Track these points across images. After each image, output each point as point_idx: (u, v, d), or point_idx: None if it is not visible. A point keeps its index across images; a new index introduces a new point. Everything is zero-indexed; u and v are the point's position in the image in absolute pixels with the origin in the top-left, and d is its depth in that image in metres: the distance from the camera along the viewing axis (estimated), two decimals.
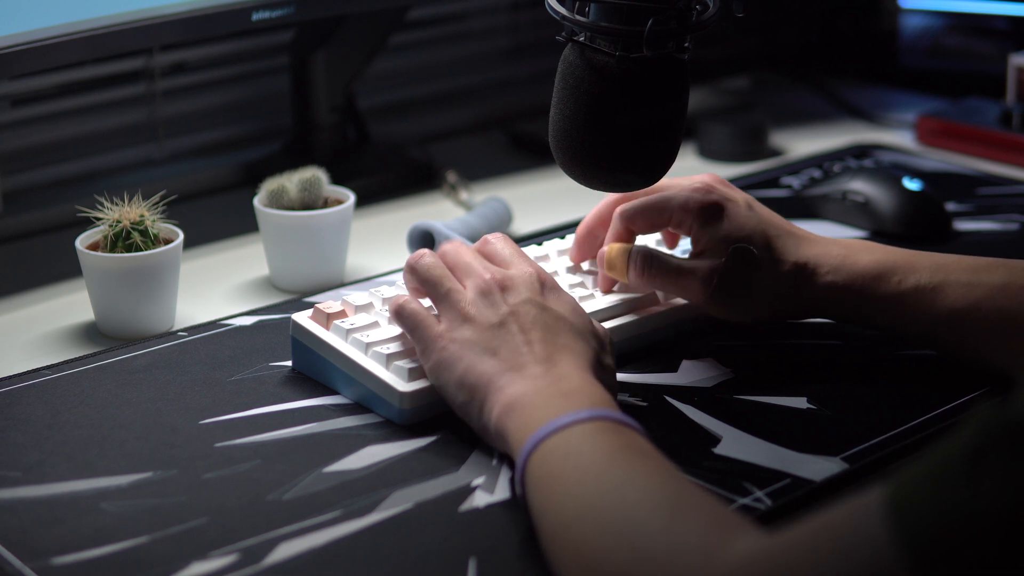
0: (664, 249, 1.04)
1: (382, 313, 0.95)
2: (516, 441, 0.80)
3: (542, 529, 0.75)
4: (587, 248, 1.03)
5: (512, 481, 0.83)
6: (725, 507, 0.72)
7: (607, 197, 1.03)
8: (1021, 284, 0.93)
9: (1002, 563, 0.56)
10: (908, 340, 0.98)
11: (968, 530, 0.57)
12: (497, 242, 0.92)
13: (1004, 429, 0.58)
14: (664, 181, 1.00)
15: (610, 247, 1.00)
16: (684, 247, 1.06)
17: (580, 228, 1.03)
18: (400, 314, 0.90)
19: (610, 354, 0.88)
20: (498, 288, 0.87)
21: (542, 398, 0.81)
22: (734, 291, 0.96)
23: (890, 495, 0.60)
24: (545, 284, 0.89)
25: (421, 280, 0.90)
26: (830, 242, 0.98)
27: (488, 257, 0.92)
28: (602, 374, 0.85)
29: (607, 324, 0.98)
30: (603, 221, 1.02)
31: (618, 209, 1.00)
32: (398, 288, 0.98)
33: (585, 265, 1.04)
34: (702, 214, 0.97)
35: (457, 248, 0.92)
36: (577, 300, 0.93)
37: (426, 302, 0.91)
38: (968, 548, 0.57)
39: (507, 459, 0.85)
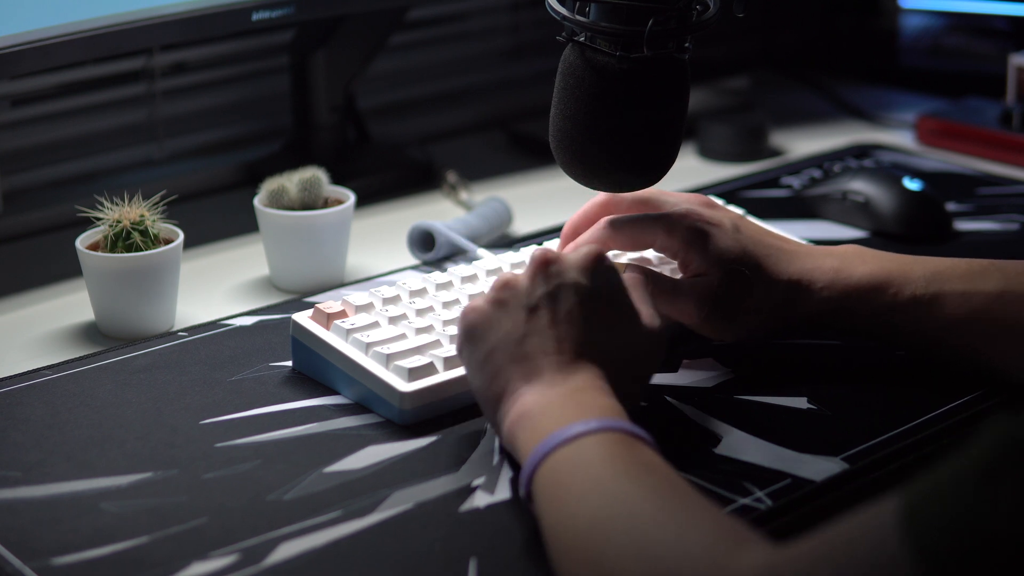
0: (658, 267, 1.04)
1: (382, 313, 0.95)
2: (525, 452, 0.79)
3: (552, 544, 0.74)
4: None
5: (514, 481, 0.83)
6: (735, 520, 0.72)
7: (595, 197, 1.02)
8: (1018, 291, 0.92)
9: None
10: (905, 350, 0.97)
11: (982, 547, 0.57)
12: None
13: (1017, 447, 0.57)
14: (655, 192, 1.00)
15: None
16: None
17: (566, 228, 1.02)
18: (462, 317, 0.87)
19: (648, 359, 0.85)
20: (545, 261, 0.84)
21: (555, 408, 0.80)
22: (727, 313, 0.95)
23: (903, 507, 0.60)
24: (601, 262, 0.85)
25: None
26: (823, 254, 0.97)
27: None
28: (626, 383, 0.83)
29: None
30: (590, 222, 1.01)
31: (605, 219, 0.99)
32: (398, 288, 0.98)
33: None
34: (686, 242, 0.96)
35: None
36: (641, 286, 0.90)
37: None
38: (982, 565, 0.57)
39: (509, 457, 0.85)
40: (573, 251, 0.86)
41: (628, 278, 0.89)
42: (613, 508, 0.72)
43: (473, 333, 0.84)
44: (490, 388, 0.83)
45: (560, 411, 0.79)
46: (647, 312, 0.86)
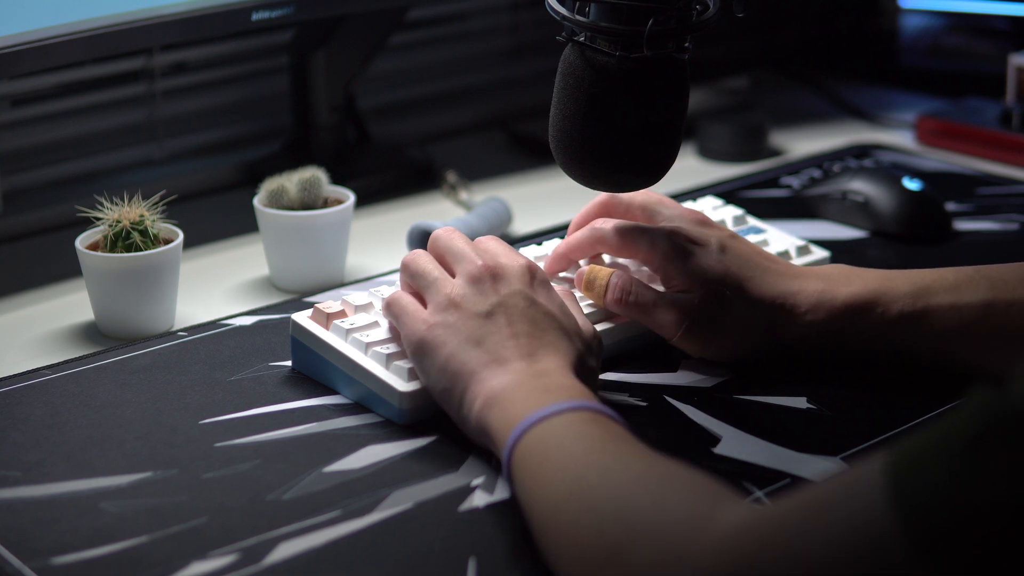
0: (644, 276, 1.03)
1: (382, 313, 0.95)
2: (499, 436, 0.80)
3: (532, 519, 0.75)
4: (564, 259, 1.02)
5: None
6: (713, 479, 0.72)
7: (596, 198, 1.02)
8: (1005, 300, 0.91)
9: (1003, 551, 0.56)
10: (895, 365, 0.96)
11: (968, 514, 0.57)
12: (489, 241, 0.92)
13: (1005, 418, 0.58)
14: (654, 201, 1.00)
15: (591, 268, 0.98)
16: None
17: (571, 227, 1.03)
18: (389, 305, 0.90)
19: (595, 356, 0.88)
20: (489, 276, 0.87)
21: (523, 392, 0.81)
22: (705, 331, 0.95)
23: (889, 466, 0.60)
24: (536, 277, 0.88)
25: (411, 274, 0.90)
26: (808, 276, 0.96)
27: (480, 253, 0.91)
28: (584, 375, 0.85)
29: (605, 324, 0.98)
30: (588, 222, 1.01)
31: (594, 224, 0.99)
32: (398, 287, 0.98)
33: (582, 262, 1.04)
34: (666, 258, 0.96)
35: (451, 234, 0.91)
36: (574, 298, 0.93)
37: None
38: (969, 531, 0.57)
39: (491, 454, 0.85)
40: (510, 262, 0.88)
41: (560, 291, 0.92)
42: (591, 477, 0.73)
43: (425, 345, 0.86)
44: (454, 384, 0.84)
45: (529, 393, 0.80)
46: (582, 319, 0.90)
